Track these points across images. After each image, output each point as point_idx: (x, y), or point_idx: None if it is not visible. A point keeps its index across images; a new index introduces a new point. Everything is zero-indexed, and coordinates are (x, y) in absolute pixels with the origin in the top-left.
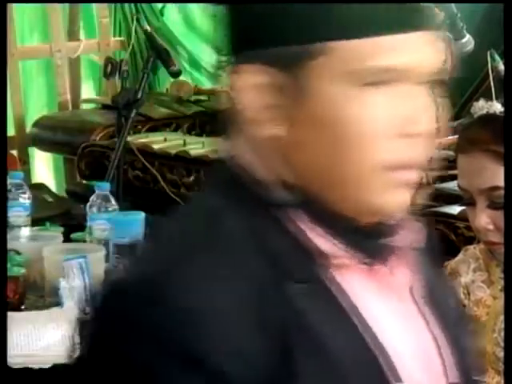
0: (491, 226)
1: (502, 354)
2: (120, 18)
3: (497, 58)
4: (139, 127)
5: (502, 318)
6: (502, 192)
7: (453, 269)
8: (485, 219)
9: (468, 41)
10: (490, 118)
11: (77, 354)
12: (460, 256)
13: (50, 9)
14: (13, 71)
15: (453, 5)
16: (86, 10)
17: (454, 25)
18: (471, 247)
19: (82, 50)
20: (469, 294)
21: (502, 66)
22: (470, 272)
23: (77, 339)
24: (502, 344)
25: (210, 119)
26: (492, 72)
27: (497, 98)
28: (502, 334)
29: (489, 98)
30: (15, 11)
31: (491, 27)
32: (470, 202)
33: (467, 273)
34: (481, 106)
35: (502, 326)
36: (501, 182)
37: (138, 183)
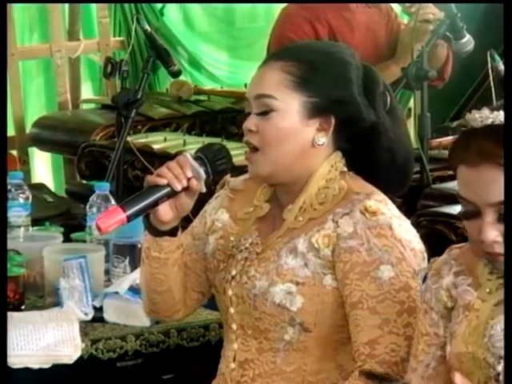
0: (500, 239)
1: (492, 360)
2: (120, 17)
3: (497, 58)
4: (139, 127)
5: (491, 322)
6: None
7: (436, 269)
8: (494, 232)
9: (468, 41)
10: (501, 129)
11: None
12: (444, 256)
13: (50, 9)
14: (13, 71)
15: (453, 5)
16: (86, 9)
17: (454, 25)
18: (456, 247)
19: (82, 49)
20: (451, 296)
21: (502, 66)
22: (450, 274)
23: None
24: (493, 350)
25: (210, 119)
26: (492, 72)
27: (497, 99)
28: (493, 339)
29: (489, 97)
30: (15, 11)
31: (491, 27)
32: (475, 214)
33: (448, 274)
34: (484, 116)
35: (492, 331)
36: None
37: (138, 183)
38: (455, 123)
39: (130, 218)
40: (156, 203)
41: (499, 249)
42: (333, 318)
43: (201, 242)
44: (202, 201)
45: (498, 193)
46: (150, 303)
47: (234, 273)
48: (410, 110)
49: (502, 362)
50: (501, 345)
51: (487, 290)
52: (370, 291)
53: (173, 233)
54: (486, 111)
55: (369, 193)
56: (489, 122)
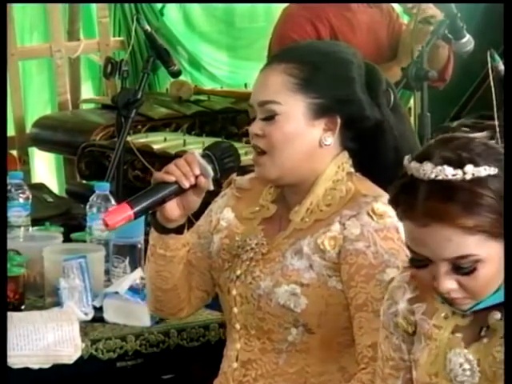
0: (455, 286)
1: None
2: (120, 17)
3: (497, 57)
4: (139, 127)
5: (449, 355)
6: (473, 258)
7: (389, 294)
8: (450, 281)
9: (468, 41)
10: (452, 186)
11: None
12: (398, 278)
13: (50, 9)
14: (13, 71)
15: (453, 5)
16: (85, 10)
17: (454, 25)
18: (410, 266)
19: (82, 49)
20: (410, 323)
21: (501, 66)
22: (405, 300)
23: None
24: (456, 383)
25: (210, 119)
26: (492, 72)
27: (496, 99)
28: (453, 373)
29: (489, 97)
30: (15, 11)
31: (491, 27)
32: (427, 264)
33: (402, 299)
34: (428, 170)
35: (451, 366)
36: (471, 250)
37: (138, 183)
38: (455, 123)
39: (137, 215)
40: (163, 200)
41: (456, 294)
42: (337, 320)
43: (206, 240)
44: (205, 200)
45: (453, 249)
46: (155, 301)
47: (238, 272)
48: (410, 109)
49: None
50: (462, 379)
51: (443, 315)
52: (375, 294)
53: (179, 230)
54: (428, 165)
55: (376, 195)
56: (432, 176)
